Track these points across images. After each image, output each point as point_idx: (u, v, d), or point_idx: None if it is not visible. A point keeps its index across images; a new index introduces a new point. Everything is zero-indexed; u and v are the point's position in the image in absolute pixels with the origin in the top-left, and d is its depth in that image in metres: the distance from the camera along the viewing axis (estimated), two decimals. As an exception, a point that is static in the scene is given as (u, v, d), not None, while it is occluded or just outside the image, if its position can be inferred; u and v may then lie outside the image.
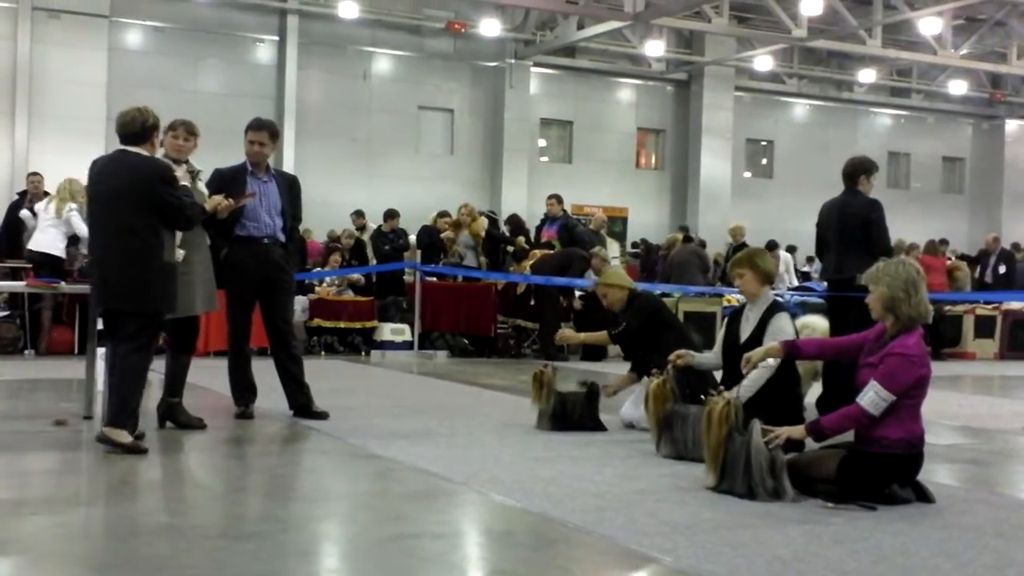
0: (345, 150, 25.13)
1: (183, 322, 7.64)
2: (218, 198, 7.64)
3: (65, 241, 13.82)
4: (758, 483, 5.47)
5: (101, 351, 7.84)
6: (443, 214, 17.42)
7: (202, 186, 7.82)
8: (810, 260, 24.30)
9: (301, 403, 8.28)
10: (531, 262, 15.89)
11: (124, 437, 6.56)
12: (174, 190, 6.88)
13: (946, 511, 5.46)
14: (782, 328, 6.80)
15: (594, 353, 14.80)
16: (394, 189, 24.05)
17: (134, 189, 6.77)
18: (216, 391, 9.36)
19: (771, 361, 6.54)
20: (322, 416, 8.16)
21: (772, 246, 20.14)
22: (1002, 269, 20.32)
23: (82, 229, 13.56)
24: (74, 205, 13.69)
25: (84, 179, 15.10)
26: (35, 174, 16.11)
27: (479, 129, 26.91)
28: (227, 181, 8.06)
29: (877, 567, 4.36)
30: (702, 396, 6.92)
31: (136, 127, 6.90)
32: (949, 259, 20.29)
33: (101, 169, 7.00)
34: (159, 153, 7.21)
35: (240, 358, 8.32)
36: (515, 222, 17.78)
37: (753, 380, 6.68)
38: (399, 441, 7.22)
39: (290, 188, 8.43)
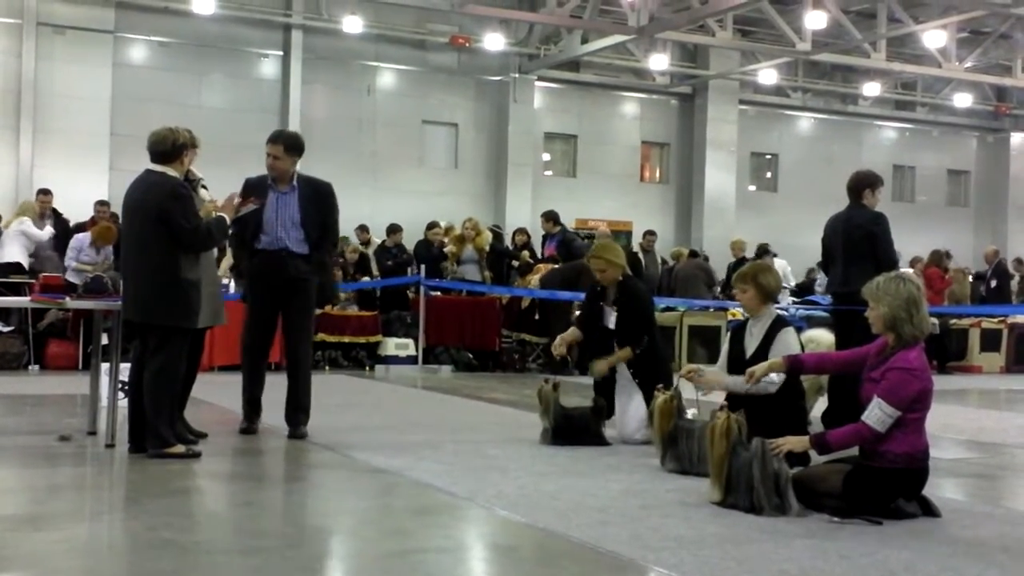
0: (349, 164, 25.11)
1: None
2: (210, 205, 7.57)
3: (27, 251, 15.07)
4: (763, 498, 5.46)
5: (105, 366, 7.85)
6: (431, 225, 17.42)
7: (205, 194, 7.79)
8: (810, 271, 24.26)
9: (290, 419, 8.15)
10: (537, 276, 15.93)
11: (175, 449, 6.93)
12: (184, 210, 6.93)
13: (952, 525, 5.44)
14: (788, 344, 6.79)
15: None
16: (398, 203, 24.06)
17: (149, 205, 6.95)
18: (220, 406, 9.36)
19: (775, 377, 6.53)
20: (300, 436, 7.99)
21: (763, 251, 19.85)
22: (994, 283, 20.33)
23: (36, 234, 15.16)
24: (24, 218, 15.28)
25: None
26: (46, 192, 16.24)
27: (483, 143, 26.91)
28: (250, 190, 8.05)
29: (883, 582, 4.35)
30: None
31: (166, 145, 7.08)
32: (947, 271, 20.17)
33: (129, 187, 7.22)
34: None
35: (250, 372, 8.23)
36: (525, 235, 17.88)
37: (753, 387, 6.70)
38: (403, 456, 7.21)
39: (316, 198, 8.23)
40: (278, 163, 8.11)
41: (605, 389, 8.31)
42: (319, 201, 8.27)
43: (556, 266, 15.77)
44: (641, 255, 18.41)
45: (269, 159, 8.12)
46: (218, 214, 7.35)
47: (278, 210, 8.08)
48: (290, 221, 8.11)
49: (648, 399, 8.02)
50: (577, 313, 15.23)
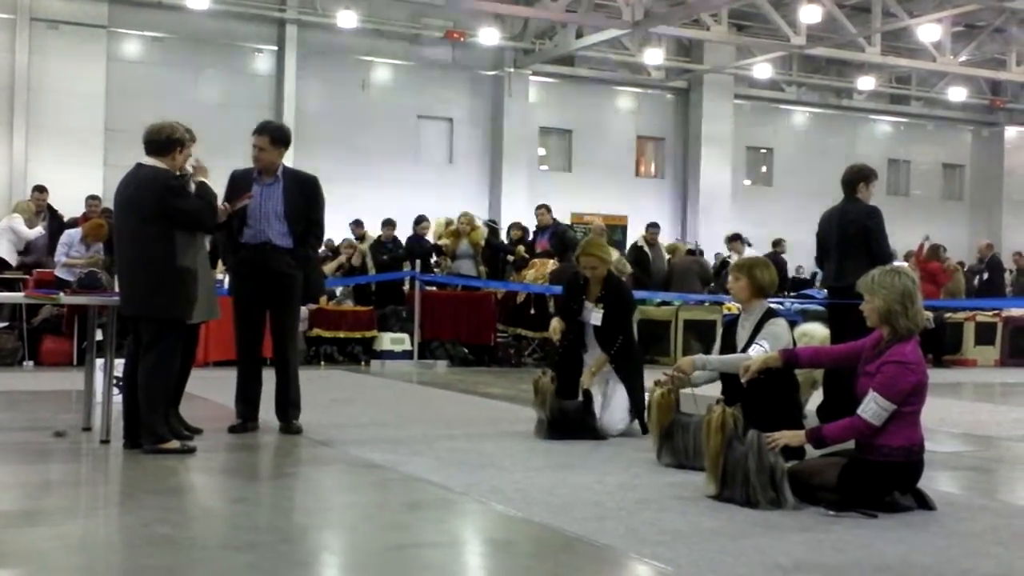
0: (344, 159, 25.12)
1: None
2: (201, 172, 7.51)
3: (15, 248, 14.95)
4: (759, 492, 5.46)
5: (99, 362, 7.83)
6: (419, 219, 17.39)
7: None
8: (798, 268, 24.31)
9: (280, 415, 8.15)
10: (533, 271, 15.91)
11: (170, 445, 6.95)
12: (181, 197, 6.93)
13: (947, 518, 5.44)
14: (776, 334, 6.79)
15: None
16: (393, 198, 24.03)
17: (142, 199, 6.95)
18: (215, 402, 9.35)
19: (763, 346, 6.59)
20: (293, 431, 8.00)
21: (735, 238, 19.58)
22: (986, 276, 20.36)
23: (24, 233, 15.03)
24: (16, 215, 15.22)
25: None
26: (41, 190, 16.19)
27: (478, 138, 26.92)
28: (236, 184, 7.99)
29: (878, 575, 4.35)
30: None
31: (161, 138, 7.06)
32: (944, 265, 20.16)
33: (120, 182, 7.20)
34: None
35: (243, 369, 8.14)
36: (520, 230, 17.83)
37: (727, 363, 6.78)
38: (399, 451, 7.20)
39: (301, 190, 8.10)
40: (263, 155, 7.98)
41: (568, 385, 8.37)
42: (303, 194, 8.13)
43: (562, 263, 15.68)
44: (647, 248, 18.03)
45: (255, 151, 7.99)
46: (199, 179, 7.27)
47: (261, 203, 7.96)
48: (273, 214, 7.98)
49: (630, 390, 8.07)
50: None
